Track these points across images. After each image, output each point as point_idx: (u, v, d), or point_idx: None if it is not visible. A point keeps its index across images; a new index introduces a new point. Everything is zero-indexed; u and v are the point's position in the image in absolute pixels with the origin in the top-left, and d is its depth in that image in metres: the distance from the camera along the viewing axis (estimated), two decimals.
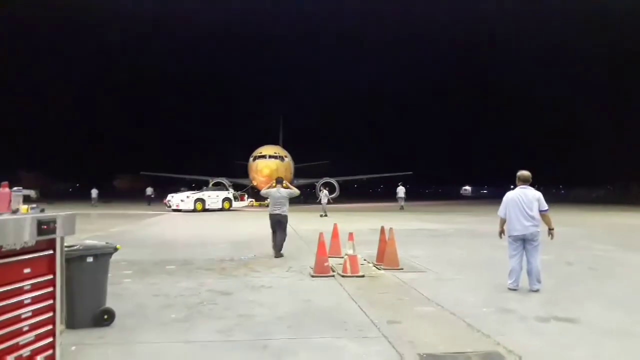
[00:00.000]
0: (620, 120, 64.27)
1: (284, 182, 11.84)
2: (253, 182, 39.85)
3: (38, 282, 3.26)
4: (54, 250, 3.43)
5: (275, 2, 70.16)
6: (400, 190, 34.34)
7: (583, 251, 11.98)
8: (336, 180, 43.57)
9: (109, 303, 5.64)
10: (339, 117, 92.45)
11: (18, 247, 3.11)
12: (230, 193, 33.57)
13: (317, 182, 43.39)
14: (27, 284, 3.18)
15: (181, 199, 30.45)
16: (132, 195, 58.11)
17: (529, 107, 79.88)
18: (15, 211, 3.35)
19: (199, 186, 40.07)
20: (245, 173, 43.85)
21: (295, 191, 11.83)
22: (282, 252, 10.83)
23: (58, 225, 3.44)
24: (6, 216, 3.20)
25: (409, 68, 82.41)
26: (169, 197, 31.37)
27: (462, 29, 70.62)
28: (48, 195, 52.28)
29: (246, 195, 36.27)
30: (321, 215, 24.76)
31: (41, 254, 3.32)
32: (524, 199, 7.37)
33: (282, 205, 11.04)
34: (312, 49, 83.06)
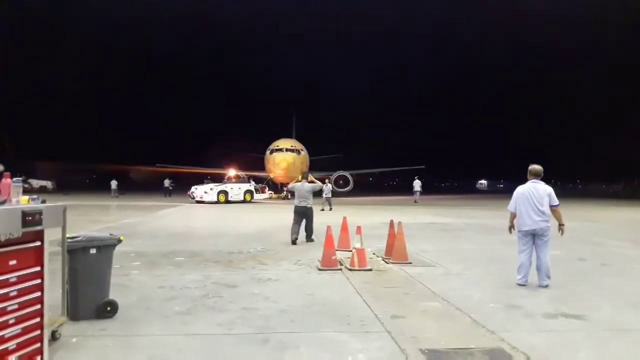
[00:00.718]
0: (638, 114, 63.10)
1: (309, 176, 12.64)
2: (270, 174, 40.54)
3: (25, 274, 3.24)
4: (42, 242, 3.41)
5: None
6: (417, 184, 35.15)
7: (597, 247, 11.77)
8: (350, 174, 43.89)
9: (115, 294, 5.64)
10: (353, 109, 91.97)
11: (3, 239, 3.08)
12: (251, 185, 34.13)
13: (330, 176, 43.66)
14: (12, 276, 3.15)
15: (205, 190, 31.17)
16: (148, 187, 58.51)
17: (546, 100, 78.75)
18: (2, 202, 3.34)
19: (213, 178, 40.41)
20: (259, 166, 44.29)
21: (318, 184, 12.66)
22: (312, 238, 12.01)
23: (44, 217, 3.41)
24: None
25: (428, 60, 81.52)
26: (193, 188, 32.13)
27: (479, 21, 69.65)
28: (65, 186, 53.09)
29: (267, 188, 36.97)
30: (322, 210, 23.27)
31: (28, 245, 3.29)
32: (534, 193, 7.23)
33: (306, 198, 11.95)
34: (325, 41, 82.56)
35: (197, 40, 77.12)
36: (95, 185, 73.02)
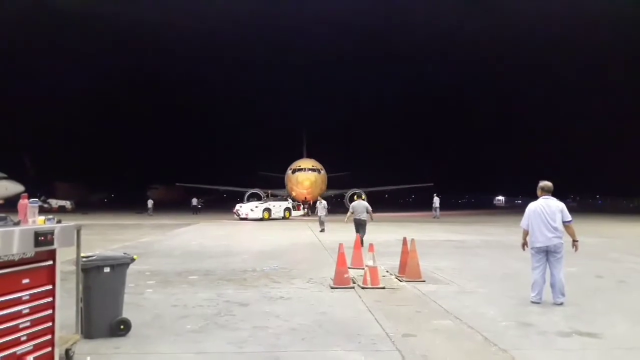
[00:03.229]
0: None
1: (363, 195, 15.61)
2: (292, 192, 42.00)
3: (37, 292, 3.34)
4: (54, 261, 3.51)
5: (293, 11, 69.78)
6: (436, 201, 37.37)
7: (614, 263, 11.59)
8: (364, 191, 44.84)
9: (129, 313, 5.72)
10: (367, 125, 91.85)
11: (16, 258, 3.19)
12: (290, 203, 35.86)
13: (345, 193, 45.55)
14: (25, 294, 3.26)
15: (250, 208, 32.38)
16: (169, 205, 59.21)
17: (564, 115, 78.03)
18: (17, 223, 3.45)
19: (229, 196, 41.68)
20: (273, 184, 46.64)
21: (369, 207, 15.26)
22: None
23: (56, 237, 3.52)
24: (1, 228, 3.28)
25: (443, 74, 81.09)
26: (238, 206, 33.48)
27: (493, 35, 69.39)
28: (83, 206, 53.79)
29: (302, 205, 38.90)
30: (321, 230, 21.38)
31: (40, 264, 3.40)
32: (546, 209, 7.19)
33: (362, 212, 14.88)
34: (333, 59, 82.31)
35: (208, 59, 77.69)
36: (113, 204, 73.89)
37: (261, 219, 31.38)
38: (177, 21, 64.68)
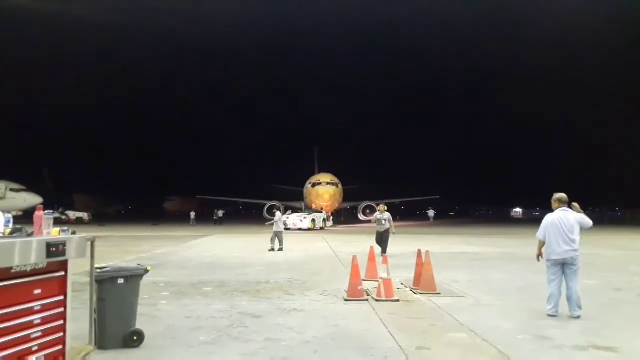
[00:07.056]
0: None
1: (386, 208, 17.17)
2: (312, 205, 44.18)
3: (48, 302, 3.38)
4: (65, 271, 3.55)
5: (306, 28, 69.61)
6: (431, 212, 50.61)
7: (634, 276, 11.36)
8: (376, 203, 46.29)
9: (142, 324, 5.74)
10: (377, 138, 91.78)
11: (28, 269, 3.24)
12: (324, 215, 39.49)
13: (358, 205, 48.70)
14: (37, 304, 3.31)
15: (300, 219, 35.41)
16: (186, 216, 59.80)
17: (582, 126, 76.93)
18: (30, 234, 3.51)
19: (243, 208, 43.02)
20: (286, 196, 49.73)
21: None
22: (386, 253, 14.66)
23: (68, 248, 3.56)
24: (13, 239, 3.34)
25: (458, 85, 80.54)
26: (284, 217, 34.75)
27: (509, 42, 68.65)
28: (101, 217, 54.36)
29: (331, 217, 42.47)
30: (271, 249, 18.01)
31: (52, 275, 3.44)
32: (564, 222, 7.11)
33: (384, 224, 15.89)
34: (342, 72, 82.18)
35: (220, 76, 78.07)
36: (130, 216, 74.58)
37: (308, 229, 34.07)
38: (196, 37, 65.53)
